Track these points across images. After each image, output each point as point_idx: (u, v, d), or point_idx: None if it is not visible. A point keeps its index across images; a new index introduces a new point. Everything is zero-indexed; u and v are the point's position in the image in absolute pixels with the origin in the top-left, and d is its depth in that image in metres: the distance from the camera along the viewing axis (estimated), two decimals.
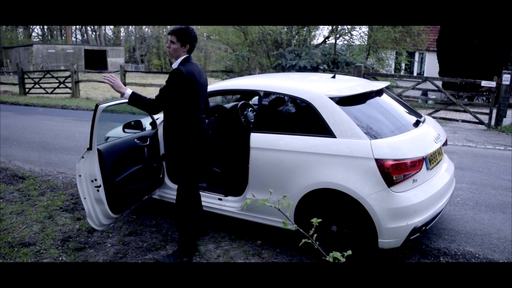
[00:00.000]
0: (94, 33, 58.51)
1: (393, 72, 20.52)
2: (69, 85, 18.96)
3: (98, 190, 3.96)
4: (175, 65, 3.78)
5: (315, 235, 1.96)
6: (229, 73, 17.78)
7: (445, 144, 4.48)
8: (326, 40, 19.91)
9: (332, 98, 3.92)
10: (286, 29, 18.41)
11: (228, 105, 5.33)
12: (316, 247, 1.93)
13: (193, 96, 3.75)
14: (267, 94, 4.34)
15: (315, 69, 16.73)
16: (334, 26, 18.84)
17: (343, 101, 3.95)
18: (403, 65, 21.52)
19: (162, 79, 25.89)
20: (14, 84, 21.07)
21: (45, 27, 56.49)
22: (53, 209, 5.31)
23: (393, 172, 3.56)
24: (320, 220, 2.00)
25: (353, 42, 19.75)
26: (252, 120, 5.13)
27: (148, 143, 4.50)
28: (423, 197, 3.74)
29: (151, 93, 20.10)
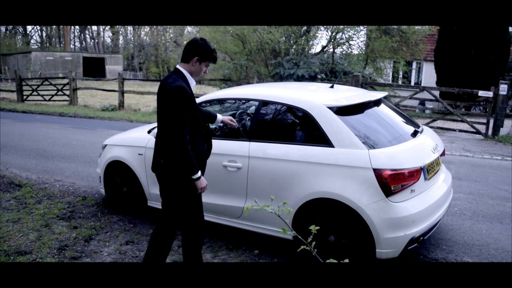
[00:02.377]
0: (92, 40, 58.62)
1: (391, 81, 20.60)
2: (67, 92, 18.98)
3: None
4: None
5: (314, 242, 1.95)
6: (227, 81, 17.80)
7: (442, 154, 4.49)
8: (324, 49, 19.98)
9: (330, 108, 3.93)
10: (284, 38, 18.49)
11: (226, 114, 5.33)
12: (314, 254, 1.93)
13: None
14: (265, 103, 4.35)
15: (313, 78, 16.77)
16: (332, 35, 18.93)
17: (341, 111, 3.96)
18: (400, 73, 21.59)
19: None
20: (12, 91, 21.06)
21: (44, 34, 56.60)
22: (49, 217, 5.29)
23: (391, 182, 3.57)
24: (318, 227, 2.00)
25: (351, 52, 19.83)
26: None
27: None
28: (421, 207, 3.74)
29: (148, 100, 20.17)
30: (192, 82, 3.38)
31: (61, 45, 55.05)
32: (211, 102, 4.88)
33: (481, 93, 11.08)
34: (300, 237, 2.04)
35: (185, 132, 3.19)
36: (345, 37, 19.20)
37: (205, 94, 6.54)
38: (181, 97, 3.18)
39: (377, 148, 3.74)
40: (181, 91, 3.19)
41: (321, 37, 25.28)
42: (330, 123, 3.86)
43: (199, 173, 3.33)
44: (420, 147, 4.11)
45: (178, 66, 3.37)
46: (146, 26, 50.64)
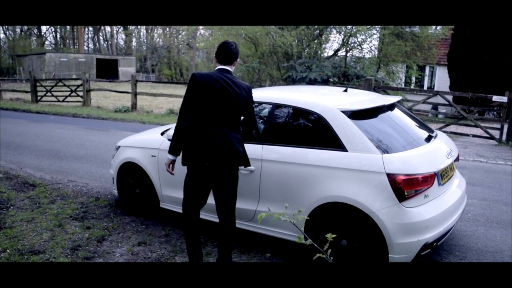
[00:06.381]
0: (106, 42, 59.10)
1: (403, 86, 20.49)
2: (81, 93, 19.15)
3: None
4: None
5: (329, 250, 1.95)
6: None
7: (456, 159, 4.45)
8: (337, 53, 19.93)
9: (344, 112, 3.92)
10: (296, 42, 18.48)
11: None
12: (330, 262, 1.93)
13: (201, 101, 3.54)
14: (279, 106, 4.35)
15: (325, 81, 16.73)
16: (344, 39, 18.89)
17: (355, 115, 3.95)
18: (413, 78, 21.48)
19: (172, 89, 25.98)
20: (27, 92, 21.29)
21: (58, 36, 57.22)
22: (63, 217, 5.34)
23: (405, 187, 3.54)
24: (334, 235, 1.99)
25: (364, 56, 19.76)
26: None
27: None
28: (434, 213, 3.71)
29: (161, 102, 20.28)
30: None
31: (75, 46, 55.60)
32: None
33: (495, 98, 10.99)
34: (316, 245, 2.03)
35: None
36: (358, 41, 19.15)
37: None
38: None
39: (391, 153, 3.72)
40: None
41: (334, 40, 25.16)
42: (344, 127, 3.85)
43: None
44: (434, 152, 4.08)
45: (226, 67, 3.69)
46: (159, 28, 50.94)
